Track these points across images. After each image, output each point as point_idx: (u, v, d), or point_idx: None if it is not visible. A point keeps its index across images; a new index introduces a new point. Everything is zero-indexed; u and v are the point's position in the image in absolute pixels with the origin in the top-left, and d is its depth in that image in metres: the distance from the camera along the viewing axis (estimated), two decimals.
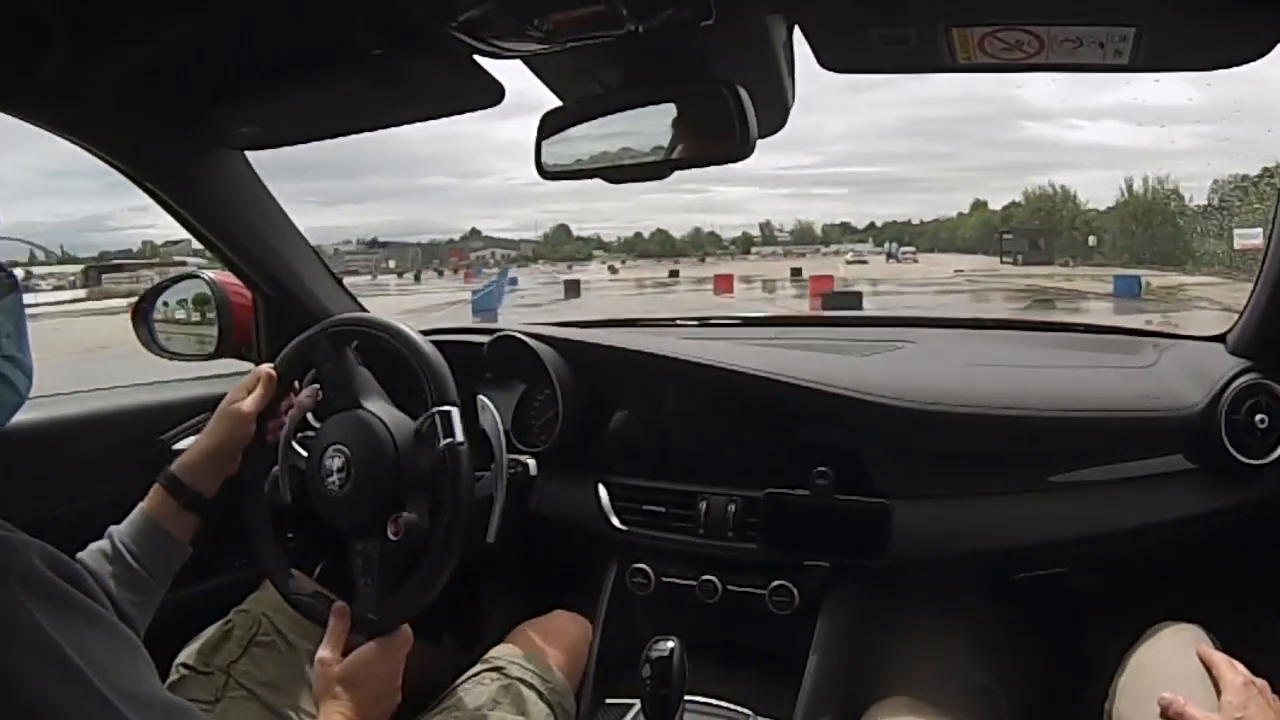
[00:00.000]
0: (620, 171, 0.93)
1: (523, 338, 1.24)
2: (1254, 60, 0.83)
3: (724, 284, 25.31)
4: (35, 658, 0.49)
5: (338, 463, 1.00)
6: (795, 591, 1.10)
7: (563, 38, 0.84)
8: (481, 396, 1.09)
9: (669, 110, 0.90)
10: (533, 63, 0.94)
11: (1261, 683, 0.86)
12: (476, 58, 0.93)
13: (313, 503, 1.04)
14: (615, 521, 1.20)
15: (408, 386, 1.02)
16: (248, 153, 1.26)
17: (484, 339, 1.28)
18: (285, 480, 1.09)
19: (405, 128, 1.19)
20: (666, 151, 0.90)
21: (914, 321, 1.37)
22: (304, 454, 1.07)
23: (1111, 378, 1.19)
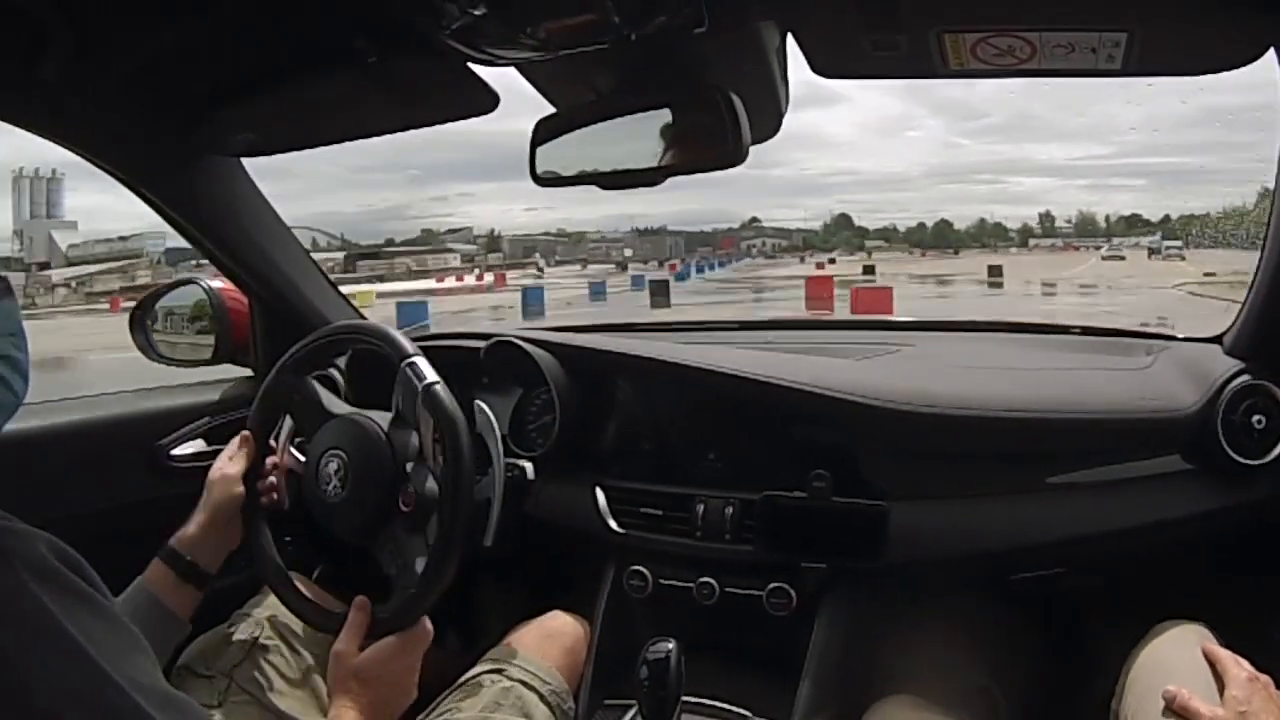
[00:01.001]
0: (614, 178, 0.94)
1: (519, 343, 1.25)
2: (1245, 65, 0.84)
3: (819, 289, 17.55)
4: (43, 642, 0.49)
5: (334, 467, 1.00)
6: (793, 593, 1.10)
7: (556, 45, 0.85)
8: (478, 401, 1.10)
9: (663, 116, 0.90)
10: (527, 70, 0.94)
11: (1265, 678, 0.87)
12: (471, 65, 0.93)
13: (311, 508, 1.04)
14: (613, 524, 1.20)
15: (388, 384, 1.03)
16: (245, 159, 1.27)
17: (480, 344, 1.29)
18: (283, 485, 1.09)
19: None
20: (660, 158, 0.90)
21: (910, 324, 1.38)
22: (301, 459, 1.08)
23: (1108, 379, 1.19)
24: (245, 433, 1.04)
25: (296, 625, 1.07)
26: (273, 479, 1.06)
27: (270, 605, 1.08)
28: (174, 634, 0.96)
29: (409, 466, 0.98)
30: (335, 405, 1.05)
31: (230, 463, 1.02)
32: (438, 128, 1.16)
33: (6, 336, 0.65)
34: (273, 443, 1.07)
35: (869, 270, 31.17)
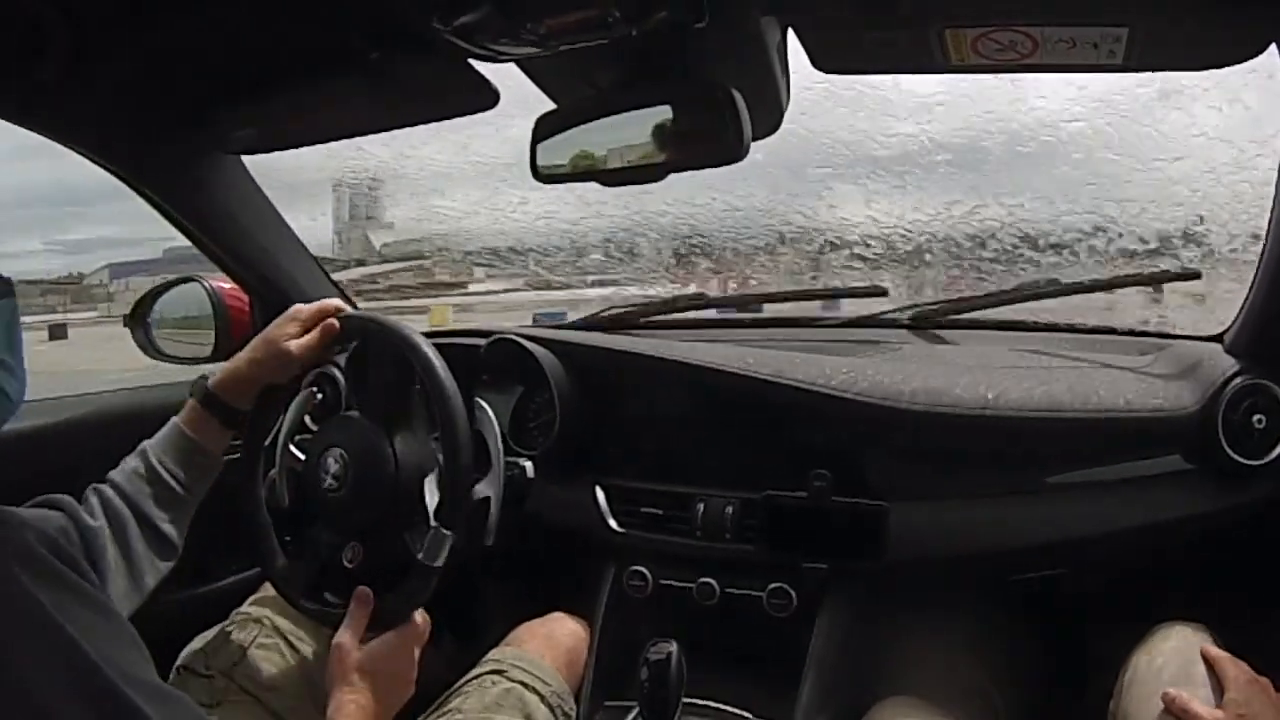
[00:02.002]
0: (615, 174, 0.94)
1: (520, 340, 1.25)
2: (1247, 60, 0.83)
3: None
4: (33, 632, 0.49)
5: (335, 464, 1.00)
6: (793, 594, 1.10)
7: (556, 41, 0.85)
8: (479, 399, 1.09)
9: (663, 112, 0.90)
10: (527, 66, 0.94)
11: (1265, 681, 0.86)
12: (471, 61, 0.93)
13: (311, 505, 1.04)
14: (613, 524, 1.20)
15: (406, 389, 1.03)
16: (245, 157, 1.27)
17: (481, 341, 1.28)
18: (283, 483, 1.09)
19: None
20: (661, 154, 0.90)
21: (911, 323, 1.37)
22: (301, 457, 1.07)
23: (1108, 378, 1.18)
24: (335, 323, 0.98)
25: (296, 624, 1.07)
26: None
27: (269, 605, 1.08)
28: (213, 471, 0.96)
29: (410, 464, 0.97)
30: (360, 395, 1.04)
31: (295, 343, 0.97)
32: None
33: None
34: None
35: None
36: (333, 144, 1.24)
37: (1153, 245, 1.42)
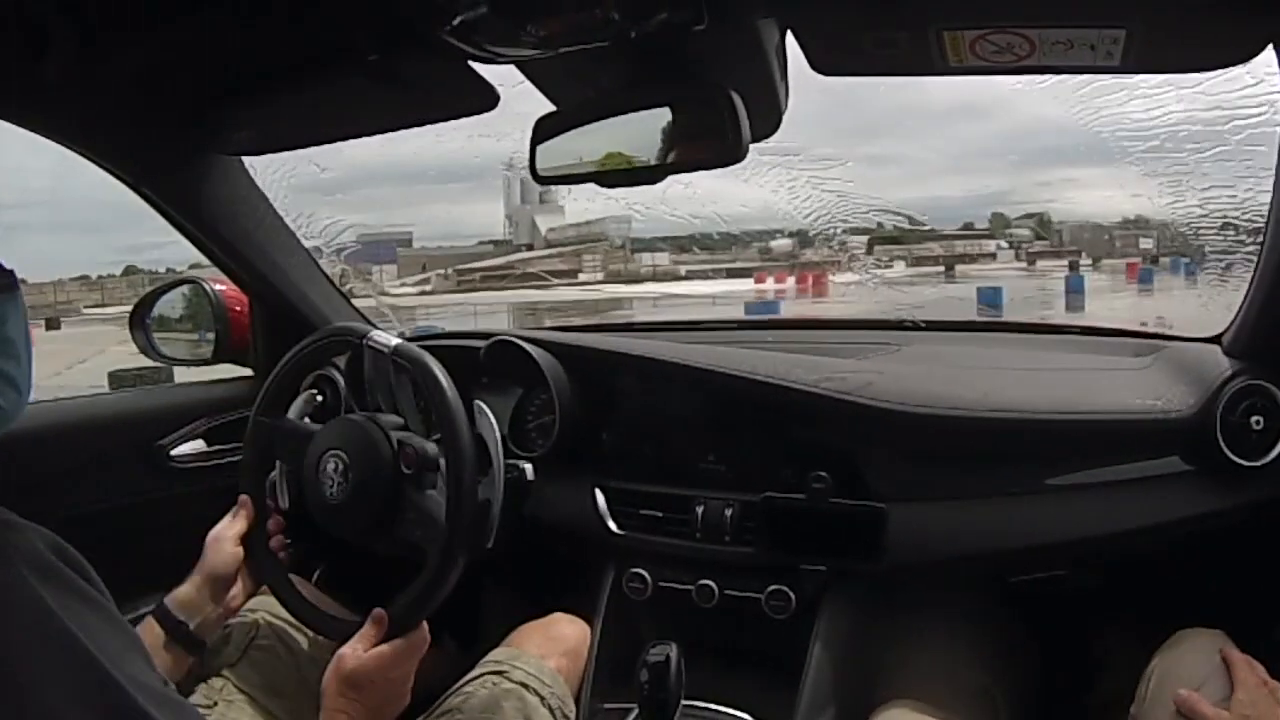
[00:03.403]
0: (614, 176, 0.94)
1: (519, 342, 1.25)
2: (1245, 61, 0.83)
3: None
4: (42, 638, 0.49)
5: (334, 467, 1.00)
6: (792, 595, 1.10)
7: (557, 43, 0.85)
8: (478, 401, 1.09)
9: (663, 114, 0.90)
10: (527, 67, 0.94)
11: (1275, 684, 0.87)
12: (471, 63, 0.93)
13: (311, 510, 1.04)
14: (612, 525, 1.20)
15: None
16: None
17: (480, 343, 1.28)
18: (282, 486, 1.09)
19: None
20: (660, 155, 0.90)
21: (909, 325, 1.38)
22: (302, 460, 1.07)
23: (1107, 379, 1.19)
24: (244, 497, 1.04)
25: (293, 625, 1.07)
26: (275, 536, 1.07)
27: (266, 606, 1.08)
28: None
29: (410, 499, 0.98)
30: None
31: (228, 525, 1.01)
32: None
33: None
34: (269, 501, 1.08)
35: None
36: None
37: None
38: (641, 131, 0.90)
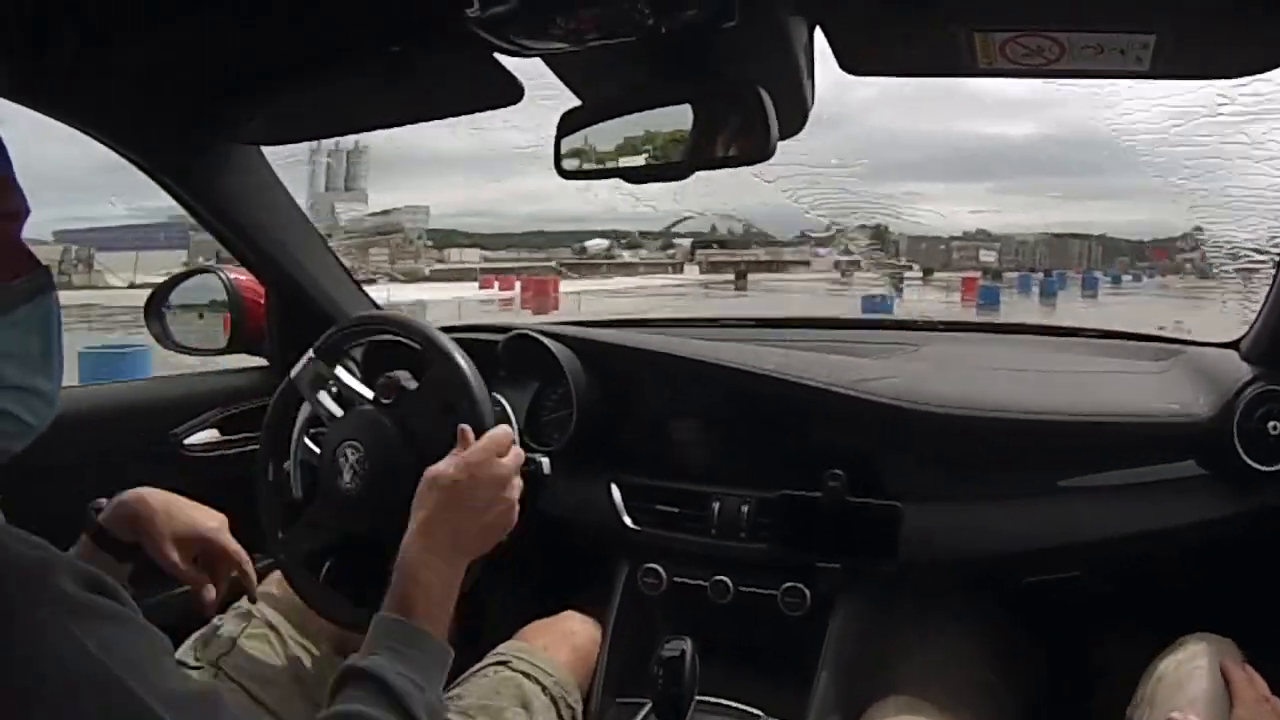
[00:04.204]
0: (640, 172, 0.93)
1: (537, 336, 1.25)
2: (1275, 68, 0.83)
3: None
4: (74, 674, 0.48)
5: (352, 458, 1.00)
6: (807, 593, 1.10)
7: (584, 37, 0.84)
8: (496, 394, 1.09)
9: (689, 111, 0.90)
10: (553, 62, 0.94)
11: (1276, 701, 0.86)
12: (496, 56, 0.93)
13: (325, 500, 1.04)
14: (627, 521, 1.20)
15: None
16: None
17: (499, 336, 1.28)
18: (296, 475, 1.09)
19: None
20: (687, 152, 0.90)
21: (927, 325, 1.38)
22: (316, 450, 1.07)
23: (1124, 383, 1.19)
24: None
25: (287, 616, 1.08)
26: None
27: (263, 598, 1.09)
28: None
29: (428, 457, 0.97)
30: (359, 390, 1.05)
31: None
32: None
33: (31, 356, 0.58)
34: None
35: None
36: None
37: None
38: (667, 127, 0.90)
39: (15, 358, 0.57)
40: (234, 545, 0.93)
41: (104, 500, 0.91)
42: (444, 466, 0.84)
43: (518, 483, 0.88)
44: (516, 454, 0.89)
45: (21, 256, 0.58)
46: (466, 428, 0.89)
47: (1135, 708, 0.93)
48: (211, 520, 0.92)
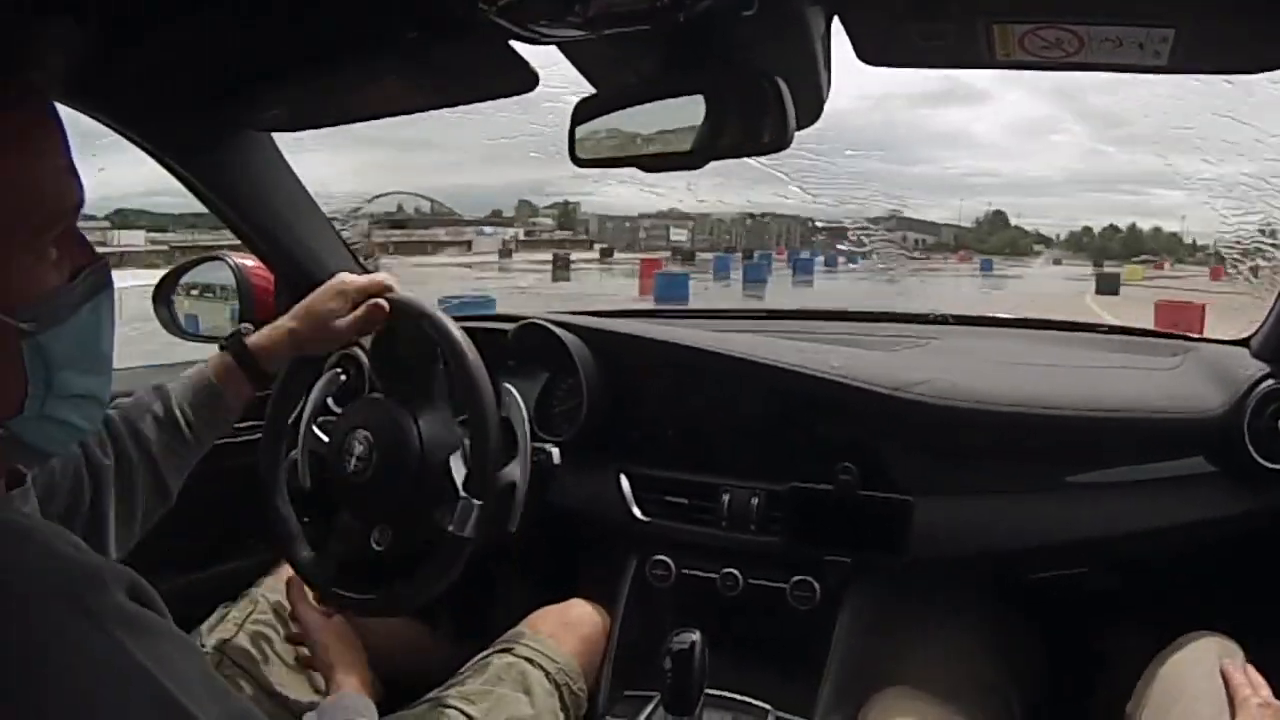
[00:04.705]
0: (655, 160, 0.93)
1: (549, 326, 1.24)
2: None
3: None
4: (128, 687, 0.48)
5: (360, 447, 1.00)
6: (817, 586, 1.10)
7: (602, 24, 0.84)
8: (506, 384, 1.09)
9: (705, 100, 0.89)
10: (569, 50, 0.93)
11: (1278, 705, 0.86)
12: (512, 43, 0.93)
13: (333, 488, 1.04)
14: (637, 512, 1.20)
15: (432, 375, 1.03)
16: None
17: (509, 326, 1.28)
18: (304, 464, 1.09)
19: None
20: (703, 141, 0.89)
21: (939, 318, 1.38)
22: (325, 439, 1.07)
23: (1134, 378, 1.19)
24: (384, 304, 0.97)
25: (289, 603, 1.07)
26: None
27: (268, 585, 1.10)
28: (226, 427, 0.95)
29: (436, 446, 0.98)
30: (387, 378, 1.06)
31: (346, 321, 0.96)
32: None
33: (79, 368, 0.57)
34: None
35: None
36: None
37: None
38: (683, 116, 0.90)
39: (75, 365, 0.56)
40: (362, 280, 0.99)
41: (248, 325, 0.96)
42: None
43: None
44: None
45: (83, 249, 0.57)
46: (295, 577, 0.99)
47: (1135, 707, 0.93)
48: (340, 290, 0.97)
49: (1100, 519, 1.07)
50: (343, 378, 1.19)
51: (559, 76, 0.97)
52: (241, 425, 1.30)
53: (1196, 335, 1.27)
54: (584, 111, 0.94)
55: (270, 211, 1.27)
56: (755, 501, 1.14)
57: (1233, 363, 1.12)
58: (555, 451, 1.11)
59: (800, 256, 23.33)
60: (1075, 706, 1.19)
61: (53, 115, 0.55)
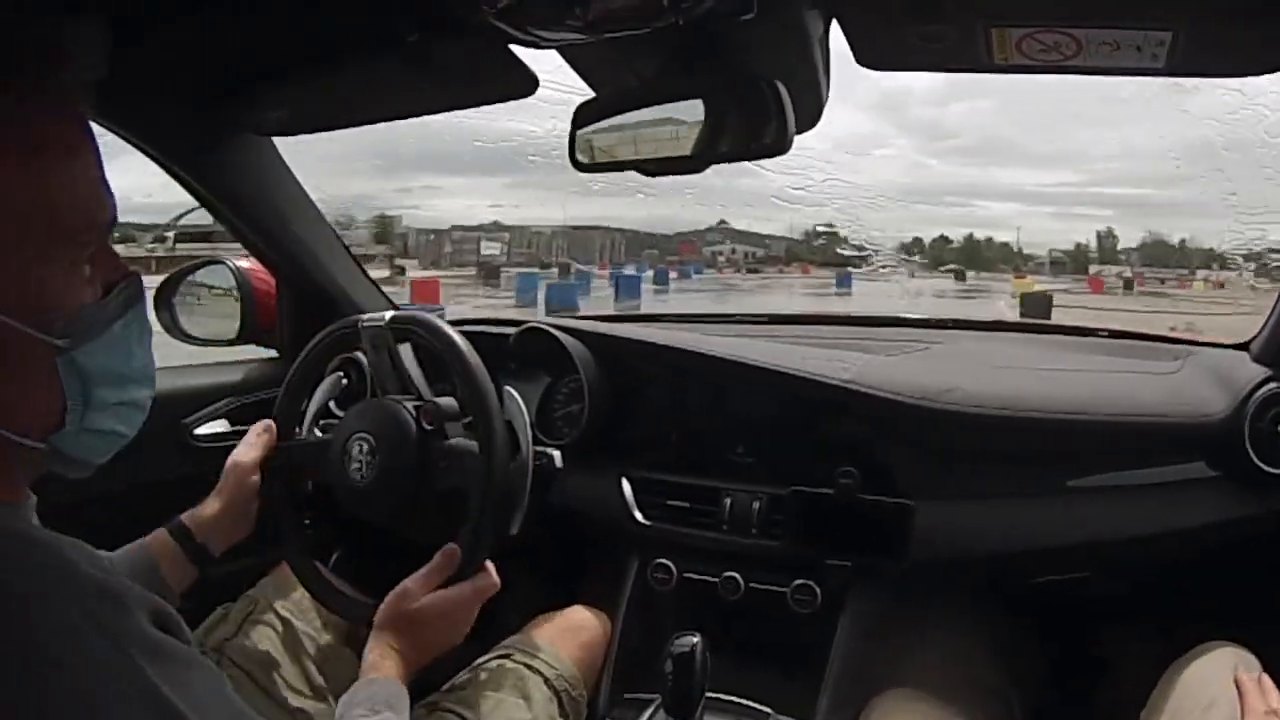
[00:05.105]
0: (655, 164, 0.93)
1: (550, 330, 1.25)
2: None
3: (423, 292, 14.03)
4: (148, 714, 0.48)
5: (362, 450, 1.00)
6: (817, 591, 1.10)
7: (602, 28, 0.84)
8: (508, 388, 1.09)
9: (705, 104, 0.89)
10: (568, 54, 0.94)
11: None
12: (512, 47, 0.93)
13: (335, 492, 1.04)
14: (638, 515, 1.20)
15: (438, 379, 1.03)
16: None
17: (510, 330, 1.28)
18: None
19: None
20: (702, 145, 0.89)
21: (939, 323, 1.38)
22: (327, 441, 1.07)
23: (1135, 383, 1.19)
24: (267, 422, 1.04)
25: (292, 602, 1.08)
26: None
27: (269, 585, 1.09)
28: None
29: (439, 450, 0.97)
30: (388, 381, 1.05)
31: (248, 450, 1.02)
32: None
33: (116, 380, 0.58)
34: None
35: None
36: None
37: None
38: (683, 120, 0.90)
39: (111, 380, 0.57)
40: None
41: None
42: (418, 592, 0.88)
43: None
44: (492, 581, 0.93)
45: (115, 265, 0.58)
46: (454, 548, 0.91)
47: (1149, 714, 0.93)
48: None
49: (1101, 523, 1.07)
50: (345, 381, 1.19)
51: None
52: (248, 427, 1.31)
53: (1197, 340, 1.27)
54: (583, 116, 0.95)
55: (272, 215, 1.27)
56: (756, 505, 1.14)
57: (1233, 367, 1.12)
58: (557, 455, 1.11)
59: (624, 273, 21.61)
60: (1077, 711, 1.19)
61: (89, 125, 0.56)
